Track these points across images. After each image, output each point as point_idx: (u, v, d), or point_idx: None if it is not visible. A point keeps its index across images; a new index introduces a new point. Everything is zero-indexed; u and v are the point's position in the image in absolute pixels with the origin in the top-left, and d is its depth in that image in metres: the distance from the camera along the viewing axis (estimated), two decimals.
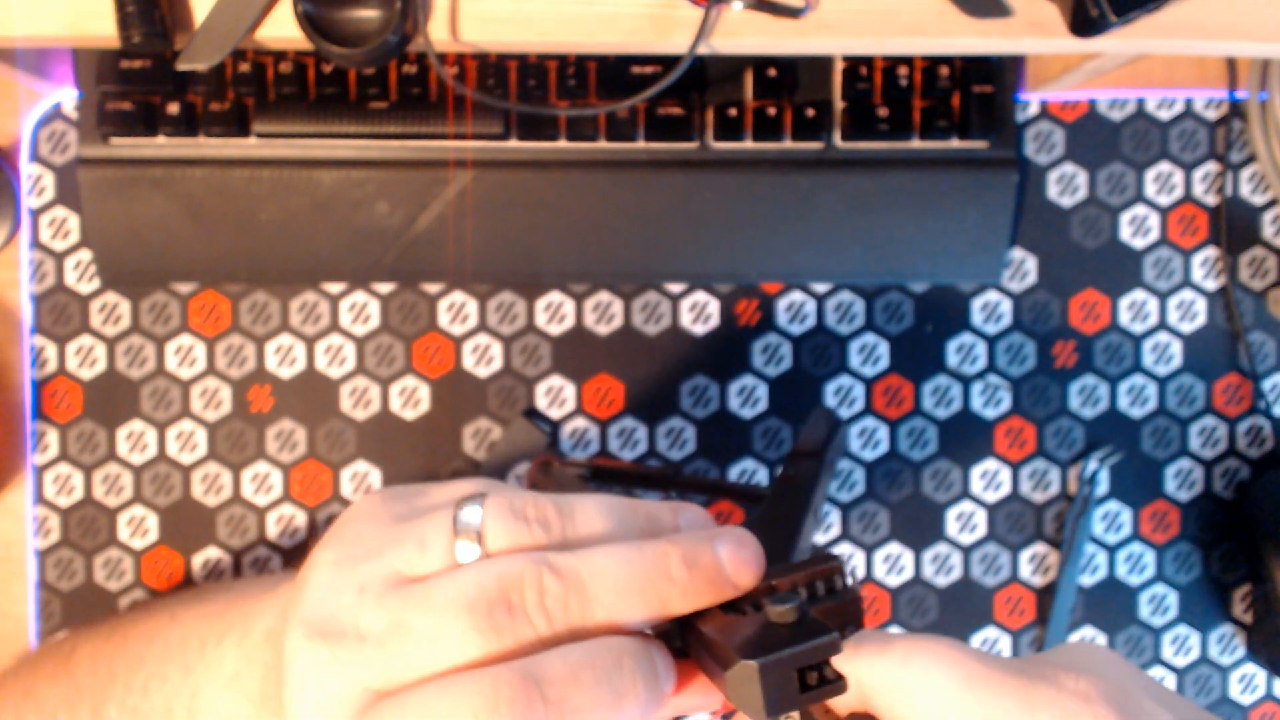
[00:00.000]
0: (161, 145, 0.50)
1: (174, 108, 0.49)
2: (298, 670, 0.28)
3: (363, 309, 0.52)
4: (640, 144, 0.50)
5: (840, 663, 0.27)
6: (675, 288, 0.52)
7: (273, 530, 0.52)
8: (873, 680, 0.27)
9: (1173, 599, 0.53)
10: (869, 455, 0.53)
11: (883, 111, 0.50)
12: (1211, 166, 0.53)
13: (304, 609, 0.29)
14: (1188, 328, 0.53)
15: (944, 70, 0.49)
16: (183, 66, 0.37)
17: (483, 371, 0.52)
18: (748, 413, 0.52)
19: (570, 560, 0.28)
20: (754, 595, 0.29)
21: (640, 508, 0.30)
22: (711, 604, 0.28)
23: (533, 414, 0.52)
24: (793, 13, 0.38)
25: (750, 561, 0.29)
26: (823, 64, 0.50)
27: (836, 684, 0.26)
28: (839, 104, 0.50)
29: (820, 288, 0.52)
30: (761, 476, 0.53)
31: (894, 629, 0.53)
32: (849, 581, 0.30)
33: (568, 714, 0.26)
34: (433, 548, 0.29)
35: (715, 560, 0.28)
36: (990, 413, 0.53)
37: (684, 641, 0.29)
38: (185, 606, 0.39)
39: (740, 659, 0.25)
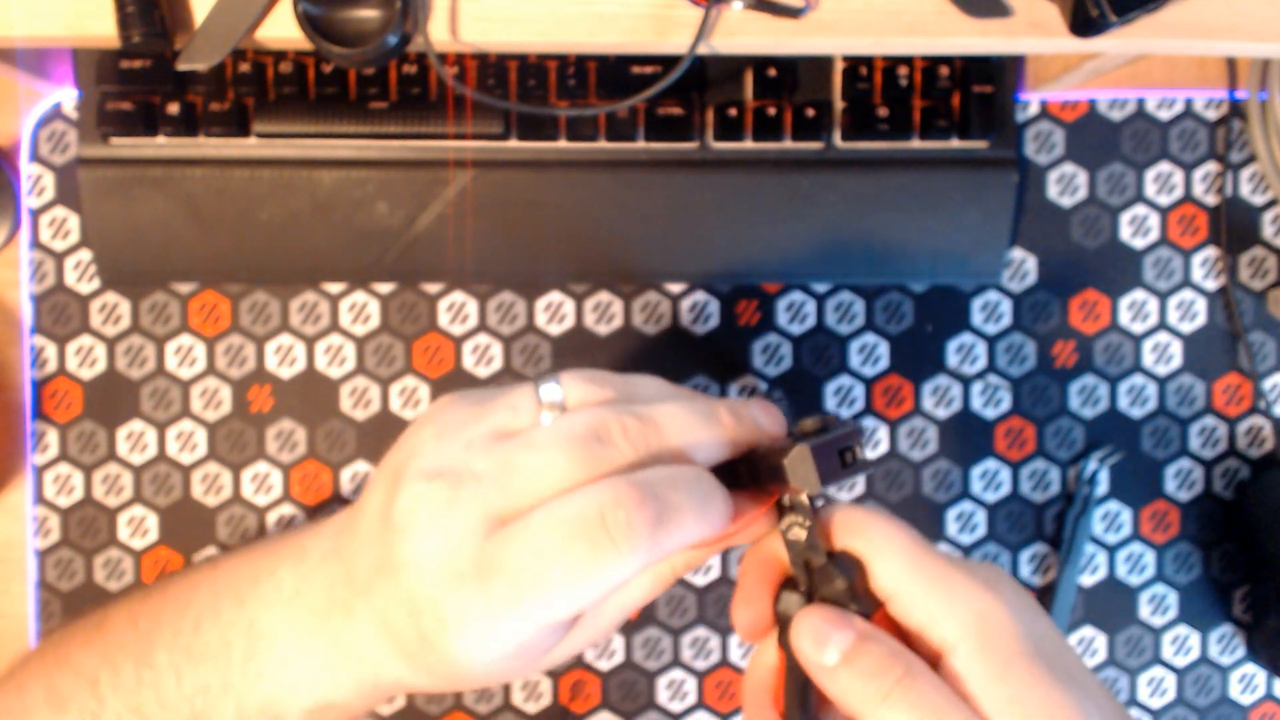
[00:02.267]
0: (161, 145, 0.50)
1: (174, 108, 0.49)
2: (420, 514, 0.32)
3: (363, 309, 0.52)
4: (640, 144, 0.50)
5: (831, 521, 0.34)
6: (675, 288, 0.52)
7: (273, 530, 0.52)
8: (845, 528, 0.33)
9: (1173, 599, 0.53)
10: (869, 455, 0.53)
11: (883, 111, 0.50)
12: (1211, 166, 0.53)
13: (415, 466, 0.32)
14: (1188, 328, 0.53)
15: (944, 70, 0.49)
16: (183, 66, 0.37)
17: (483, 371, 0.52)
18: None
19: (643, 407, 0.34)
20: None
21: (682, 388, 0.37)
22: (752, 446, 0.35)
23: None
24: (793, 13, 0.38)
25: (777, 416, 0.36)
26: (823, 64, 0.50)
27: (868, 462, 0.34)
28: (839, 104, 0.50)
29: (820, 288, 0.52)
30: None
31: None
32: (867, 454, 0.37)
33: (671, 511, 0.31)
34: (523, 412, 0.34)
35: (751, 413, 0.35)
36: (990, 413, 0.53)
37: (735, 475, 0.35)
38: (226, 556, 0.39)
39: (795, 445, 0.33)
